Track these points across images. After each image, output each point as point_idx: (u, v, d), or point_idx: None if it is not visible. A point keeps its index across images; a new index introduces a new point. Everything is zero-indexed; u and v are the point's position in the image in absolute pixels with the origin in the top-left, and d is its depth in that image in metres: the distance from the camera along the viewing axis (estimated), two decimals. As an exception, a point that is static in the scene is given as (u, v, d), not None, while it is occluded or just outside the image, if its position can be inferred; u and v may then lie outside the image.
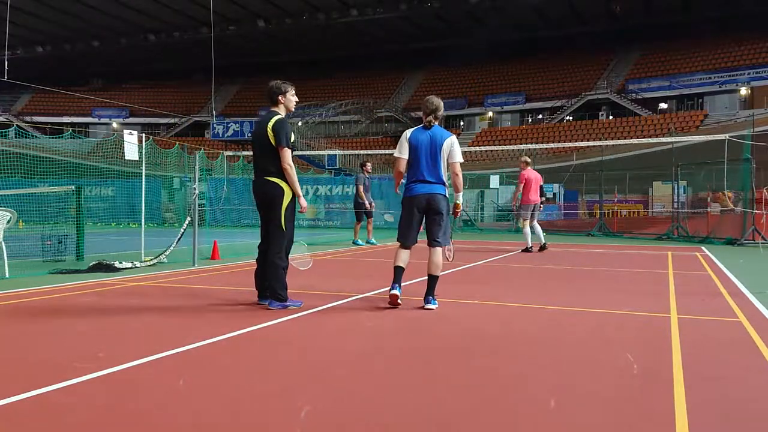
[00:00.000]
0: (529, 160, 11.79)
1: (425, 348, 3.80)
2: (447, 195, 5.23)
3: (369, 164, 13.73)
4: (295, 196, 5.02)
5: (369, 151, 28.65)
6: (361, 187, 13.12)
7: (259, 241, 5.26)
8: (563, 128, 43.35)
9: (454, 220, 13.79)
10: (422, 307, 5.08)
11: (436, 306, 5.11)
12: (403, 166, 5.27)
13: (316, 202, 23.78)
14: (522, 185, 11.44)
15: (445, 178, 5.21)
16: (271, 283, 4.96)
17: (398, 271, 5.23)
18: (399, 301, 5.12)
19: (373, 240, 13.49)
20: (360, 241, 13.18)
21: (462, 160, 5.24)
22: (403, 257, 5.22)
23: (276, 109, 5.10)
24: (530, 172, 11.52)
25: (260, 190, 5.04)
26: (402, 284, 5.19)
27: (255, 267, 5.31)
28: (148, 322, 4.50)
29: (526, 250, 11.25)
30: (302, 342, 3.95)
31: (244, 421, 2.48)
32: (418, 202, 5.16)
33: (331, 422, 2.46)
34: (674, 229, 16.10)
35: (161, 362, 3.35)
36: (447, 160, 5.17)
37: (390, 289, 5.20)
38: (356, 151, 31.97)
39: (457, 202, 5.41)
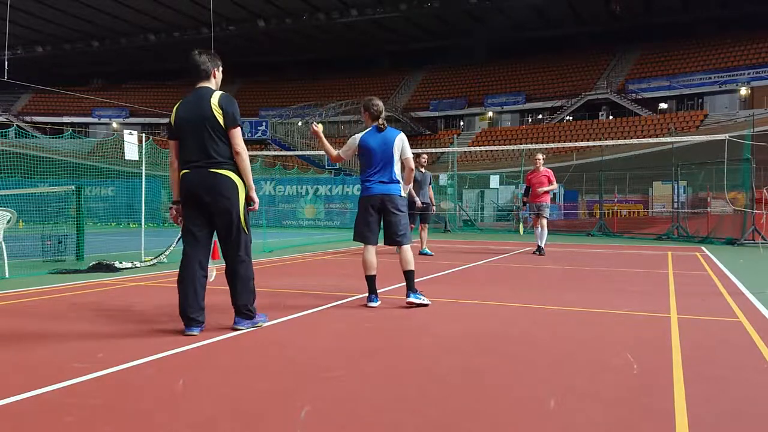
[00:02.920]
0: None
1: (425, 348, 3.80)
2: (402, 194, 5.32)
3: (423, 157, 11.37)
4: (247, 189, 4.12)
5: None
6: (409, 186, 11.44)
7: (184, 248, 4.19)
8: (563, 128, 43.36)
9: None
10: (406, 303, 5.15)
11: (419, 300, 5.14)
12: (335, 159, 5.51)
13: (316, 202, 23.80)
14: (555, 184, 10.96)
15: (400, 177, 5.30)
16: (241, 300, 4.10)
17: (371, 281, 5.25)
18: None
19: (427, 250, 10.71)
20: (428, 250, 10.72)
21: (411, 156, 5.36)
22: (372, 262, 5.23)
23: (209, 85, 4.17)
24: None
25: (205, 186, 3.99)
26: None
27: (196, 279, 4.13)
28: (147, 321, 4.50)
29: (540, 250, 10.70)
30: (301, 342, 3.95)
31: (243, 420, 2.47)
32: (372, 202, 5.23)
33: (331, 422, 2.46)
34: (674, 229, 16.11)
35: (161, 362, 3.35)
36: (400, 157, 5.28)
37: (367, 302, 5.22)
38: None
39: (402, 193, 5.41)
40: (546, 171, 10.91)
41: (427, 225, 11.14)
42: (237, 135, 4.03)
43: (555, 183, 10.93)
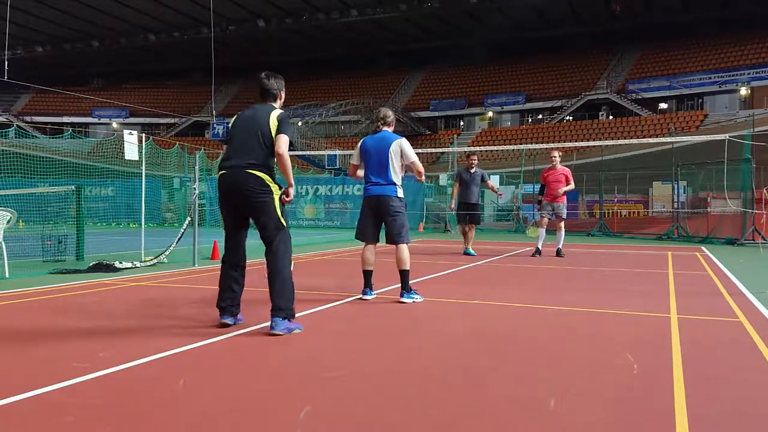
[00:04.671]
0: None
1: (425, 348, 3.80)
2: (399, 195, 5.50)
3: (474, 157, 11.04)
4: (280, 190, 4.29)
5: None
6: (456, 186, 10.90)
7: (225, 247, 4.38)
8: (563, 128, 43.32)
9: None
10: (398, 301, 5.35)
11: (412, 300, 5.36)
12: (352, 172, 5.77)
13: (317, 202, 23.80)
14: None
15: (397, 180, 5.49)
16: (279, 300, 4.06)
17: (367, 275, 5.57)
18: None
19: (470, 250, 10.79)
20: (471, 250, 10.73)
21: (416, 159, 5.52)
22: (369, 258, 5.56)
23: (274, 104, 4.46)
24: None
25: (240, 185, 4.16)
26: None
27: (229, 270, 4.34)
28: (148, 321, 4.50)
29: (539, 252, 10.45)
30: (302, 341, 3.95)
31: (244, 420, 2.48)
32: (369, 202, 5.54)
33: (331, 422, 2.46)
34: (674, 229, 16.11)
35: (161, 362, 3.35)
36: (402, 161, 5.50)
37: (362, 294, 5.51)
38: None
39: (399, 194, 5.55)
40: (563, 169, 10.42)
41: (474, 225, 10.94)
42: (282, 138, 4.20)
43: (573, 183, 10.47)
